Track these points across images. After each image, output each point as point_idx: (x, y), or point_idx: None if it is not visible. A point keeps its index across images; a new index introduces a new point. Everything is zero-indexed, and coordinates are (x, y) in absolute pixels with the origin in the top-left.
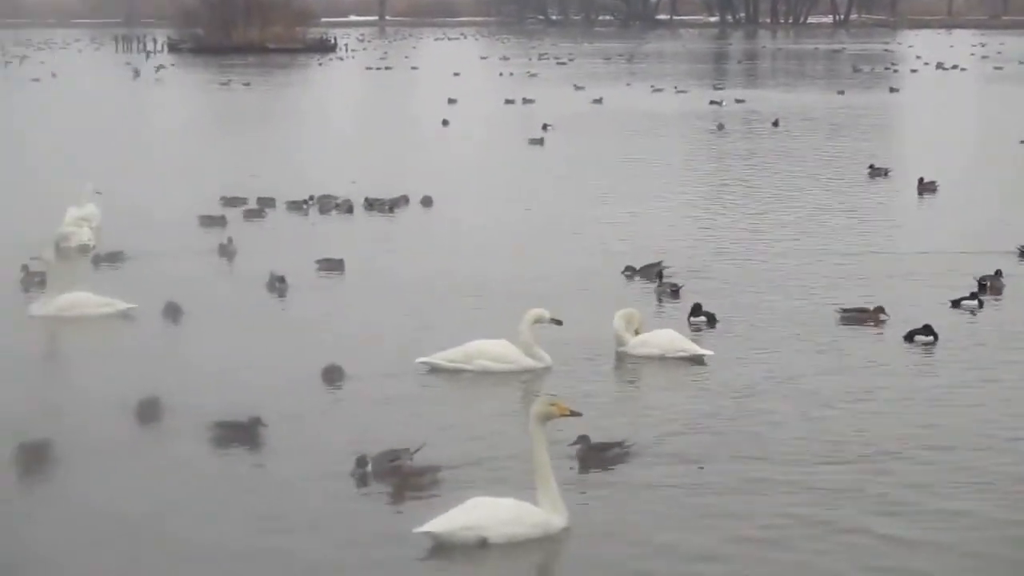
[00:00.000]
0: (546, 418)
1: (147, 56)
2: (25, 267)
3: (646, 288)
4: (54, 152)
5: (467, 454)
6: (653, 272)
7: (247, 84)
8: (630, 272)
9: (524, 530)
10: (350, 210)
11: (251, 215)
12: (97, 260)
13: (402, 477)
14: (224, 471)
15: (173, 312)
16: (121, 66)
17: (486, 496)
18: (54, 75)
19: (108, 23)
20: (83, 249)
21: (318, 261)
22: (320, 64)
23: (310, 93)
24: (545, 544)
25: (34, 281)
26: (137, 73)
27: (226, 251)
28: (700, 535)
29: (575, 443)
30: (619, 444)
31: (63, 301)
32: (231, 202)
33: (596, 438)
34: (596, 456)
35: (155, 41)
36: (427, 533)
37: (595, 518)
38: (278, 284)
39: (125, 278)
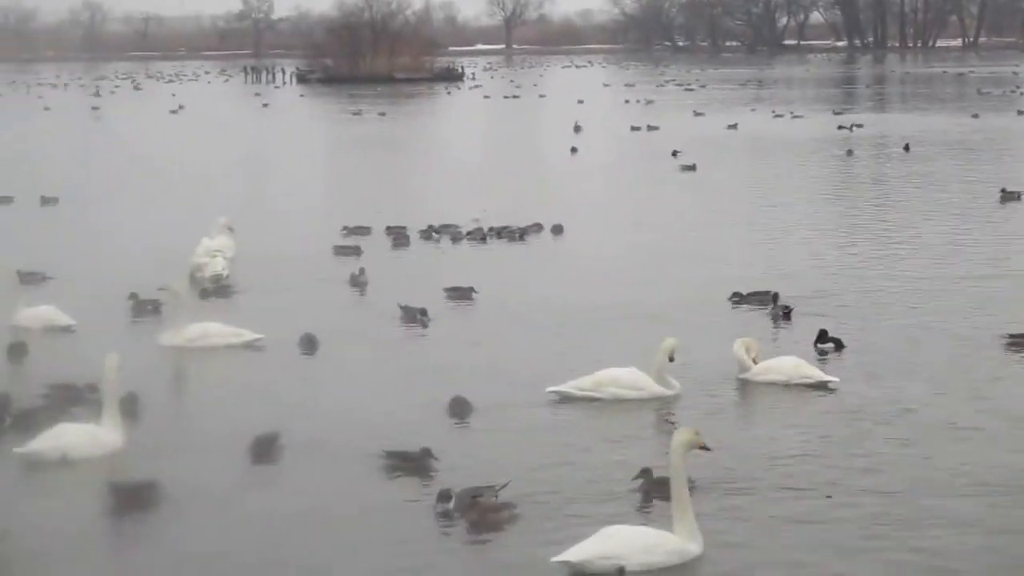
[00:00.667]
0: (690, 446)
1: (276, 87)
2: (134, 295)
3: (755, 313)
4: (187, 183)
5: (601, 481)
6: (762, 299)
7: (382, 114)
8: (737, 298)
9: (660, 558)
10: (483, 239)
11: (382, 244)
12: (229, 291)
13: (480, 513)
14: (345, 508)
15: (308, 343)
16: (251, 96)
17: (622, 524)
18: (181, 107)
19: (237, 55)
20: (216, 279)
21: (447, 289)
22: (449, 93)
23: (439, 122)
24: (681, 572)
25: (146, 309)
26: (267, 104)
27: (357, 281)
28: (833, 566)
29: (638, 476)
30: None
31: (192, 331)
32: (360, 231)
33: (660, 471)
34: (660, 490)
35: (284, 72)
36: (564, 562)
37: (728, 547)
38: (420, 316)
39: (256, 308)
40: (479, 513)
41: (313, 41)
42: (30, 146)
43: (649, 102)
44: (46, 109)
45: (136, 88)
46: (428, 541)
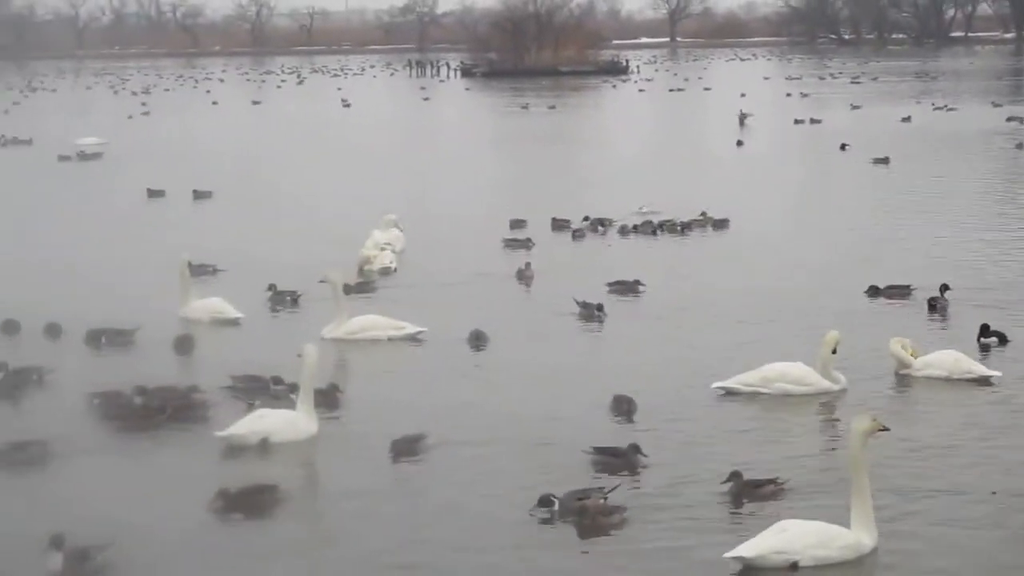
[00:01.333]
0: (870, 433)
1: (440, 81)
2: (273, 286)
3: (907, 308)
4: (353, 177)
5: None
6: (900, 293)
7: (552, 107)
8: (873, 291)
9: (834, 553)
10: (653, 232)
11: (548, 237)
12: (396, 284)
13: (590, 517)
14: (499, 508)
15: (477, 339)
16: (416, 90)
17: (796, 519)
18: (346, 102)
19: (401, 49)
20: (385, 272)
21: (611, 283)
22: (614, 87)
23: (606, 115)
24: (855, 566)
25: (284, 300)
26: (427, 99)
27: (524, 275)
28: (1000, 563)
29: (727, 480)
30: (773, 481)
31: (354, 324)
32: (523, 224)
33: (751, 474)
34: (750, 492)
35: (448, 66)
36: (737, 557)
37: (895, 544)
38: (596, 311)
39: (422, 302)
40: (590, 517)
41: (477, 35)
42: (193, 141)
43: (805, 95)
44: (214, 104)
45: (299, 83)
46: (590, 538)
